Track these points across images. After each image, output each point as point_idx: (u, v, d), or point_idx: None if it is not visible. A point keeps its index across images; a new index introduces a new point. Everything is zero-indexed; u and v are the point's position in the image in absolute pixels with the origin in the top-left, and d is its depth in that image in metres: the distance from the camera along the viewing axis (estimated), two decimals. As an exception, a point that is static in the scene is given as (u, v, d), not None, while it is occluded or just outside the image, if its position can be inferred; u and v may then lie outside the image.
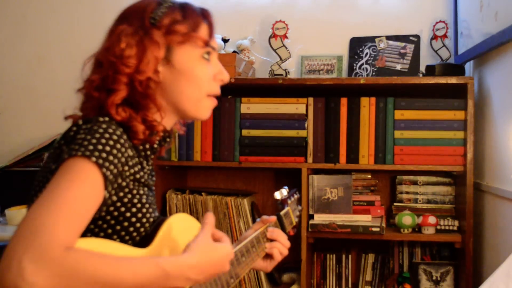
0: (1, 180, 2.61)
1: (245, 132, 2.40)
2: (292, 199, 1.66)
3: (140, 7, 1.11)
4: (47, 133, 2.79)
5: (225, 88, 1.20)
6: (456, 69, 2.32)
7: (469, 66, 2.47)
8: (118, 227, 1.02)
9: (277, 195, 1.58)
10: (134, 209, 1.03)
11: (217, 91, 1.15)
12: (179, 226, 1.10)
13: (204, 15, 1.13)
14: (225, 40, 2.56)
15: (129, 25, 1.08)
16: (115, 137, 0.98)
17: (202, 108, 1.14)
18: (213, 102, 1.16)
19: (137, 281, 0.88)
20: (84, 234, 0.97)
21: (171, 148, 2.42)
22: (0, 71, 2.93)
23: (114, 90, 1.04)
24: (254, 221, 2.38)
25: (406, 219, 2.28)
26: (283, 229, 1.50)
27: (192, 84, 1.10)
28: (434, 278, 2.35)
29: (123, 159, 0.99)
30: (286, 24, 2.51)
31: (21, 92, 2.91)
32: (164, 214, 2.42)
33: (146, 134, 1.07)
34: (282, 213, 1.53)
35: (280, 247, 1.40)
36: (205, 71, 1.12)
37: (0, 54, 2.93)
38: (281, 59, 2.51)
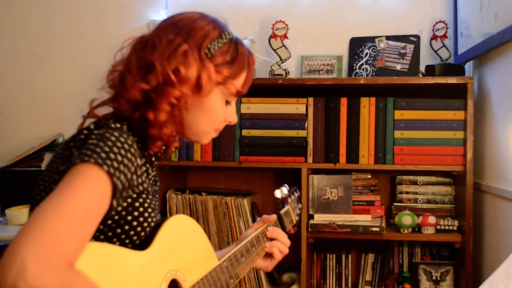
0: (1, 180, 2.61)
1: (245, 132, 2.40)
2: (293, 197, 1.66)
3: (201, 29, 1.11)
4: (47, 133, 2.80)
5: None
6: (456, 69, 2.32)
7: (469, 66, 2.47)
8: (118, 231, 1.02)
9: (277, 193, 1.58)
10: (136, 213, 1.04)
11: (221, 128, 1.21)
12: (178, 228, 1.10)
13: (249, 61, 1.18)
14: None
15: (189, 46, 1.08)
16: (126, 147, 0.99)
17: (205, 137, 1.19)
18: (216, 134, 1.21)
19: None
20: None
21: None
22: (0, 71, 2.93)
23: (159, 110, 1.05)
24: (254, 221, 2.38)
25: (406, 219, 2.28)
26: (283, 227, 1.50)
27: (208, 119, 1.15)
28: (434, 278, 2.35)
29: (132, 169, 1.00)
30: (286, 24, 2.51)
31: (21, 92, 2.91)
32: (164, 214, 2.42)
33: (161, 148, 1.11)
34: (282, 211, 1.53)
35: (280, 246, 1.40)
36: (223, 112, 1.17)
37: (1, 54, 2.93)
38: (281, 59, 2.51)
